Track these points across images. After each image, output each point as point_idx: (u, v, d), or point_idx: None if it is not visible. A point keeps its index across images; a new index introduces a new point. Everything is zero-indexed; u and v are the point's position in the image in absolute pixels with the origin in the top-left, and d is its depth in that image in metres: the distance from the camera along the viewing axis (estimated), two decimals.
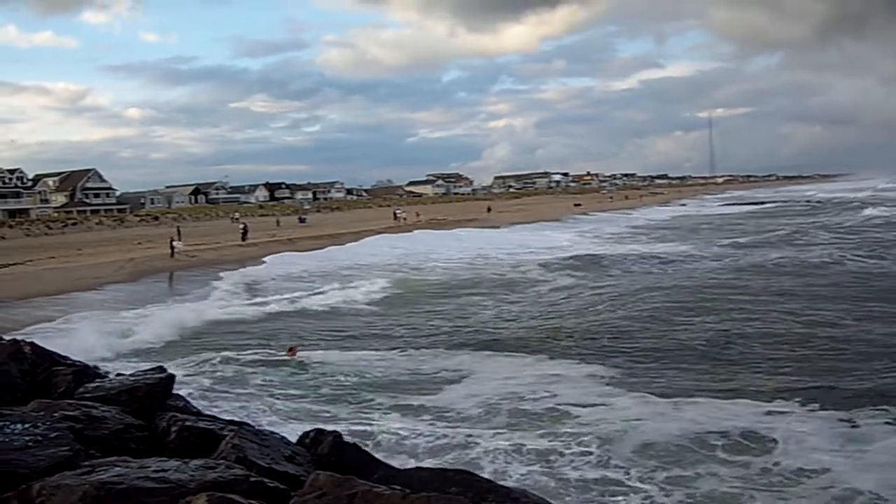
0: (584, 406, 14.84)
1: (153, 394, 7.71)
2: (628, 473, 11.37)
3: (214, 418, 8.13)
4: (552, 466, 11.75)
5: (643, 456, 11.97)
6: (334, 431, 7.34)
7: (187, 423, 6.92)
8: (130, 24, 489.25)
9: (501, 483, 6.56)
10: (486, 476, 7.13)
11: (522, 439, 12.87)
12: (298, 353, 20.44)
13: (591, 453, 12.13)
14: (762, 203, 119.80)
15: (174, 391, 8.30)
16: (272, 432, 7.86)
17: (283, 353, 20.50)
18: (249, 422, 8.92)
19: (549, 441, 12.77)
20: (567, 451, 12.25)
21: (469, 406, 15.23)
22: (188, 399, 8.98)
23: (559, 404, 15.08)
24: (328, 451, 6.92)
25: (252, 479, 5.38)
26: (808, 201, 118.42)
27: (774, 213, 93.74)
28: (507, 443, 12.70)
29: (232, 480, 5.21)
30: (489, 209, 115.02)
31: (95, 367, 9.37)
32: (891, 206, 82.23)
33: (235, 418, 9.28)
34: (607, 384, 16.66)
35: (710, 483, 10.96)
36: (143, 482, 4.99)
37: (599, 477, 11.32)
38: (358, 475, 5.49)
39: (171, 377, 8.30)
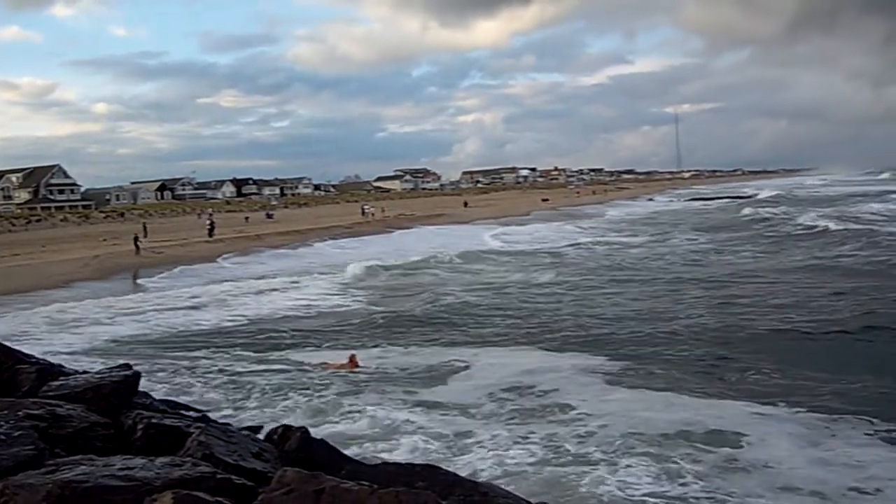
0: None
1: (119, 392, 7.65)
2: None
3: (181, 416, 8.08)
4: None
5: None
6: (302, 427, 7.34)
7: (153, 421, 6.89)
8: (98, 19, 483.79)
9: (468, 477, 6.60)
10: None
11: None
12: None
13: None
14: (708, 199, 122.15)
15: (140, 388, 8.25)
16: (240, 429, 7.84)
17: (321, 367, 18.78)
18: (215, 418, 8.89)
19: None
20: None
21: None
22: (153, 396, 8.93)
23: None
24: (296, 447, 6.92)
25: (219, 476, 5.37)
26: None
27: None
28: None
29: (198, 478, 5.20)
30: (466, 204, 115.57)
31: (60, 366, 9.28)
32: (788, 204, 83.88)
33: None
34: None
35: None
36: (109, 480, 4.96)
37: None
38: (326, 471, 5.49)
39: (137, 374, 8.25)
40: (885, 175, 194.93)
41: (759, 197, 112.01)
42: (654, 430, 12.56)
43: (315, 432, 8.21)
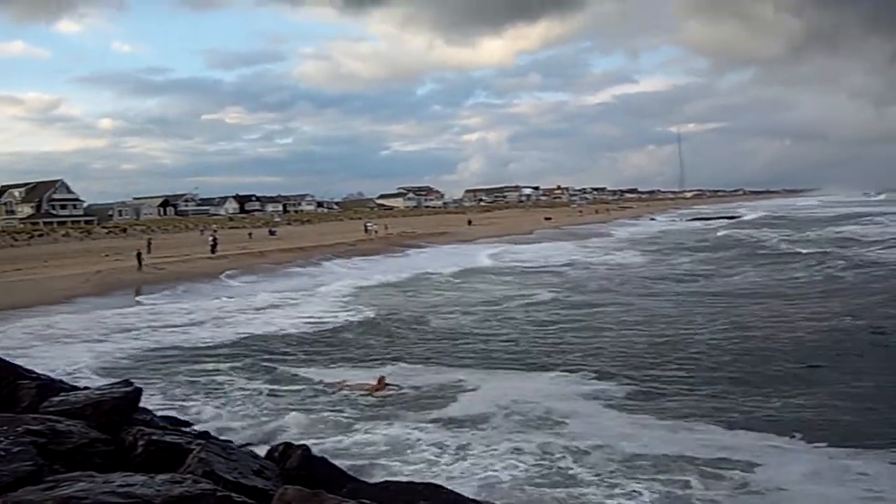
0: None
1: (119, 407, 7.60)
2: None
3: (182, 432, 8.05)
4: None
5: None
6: (303, 445, 7.30)
7: (154, 437, 6.84)
8: (104, 35, 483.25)
9: (470, 497, 6.56)
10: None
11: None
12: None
13: None
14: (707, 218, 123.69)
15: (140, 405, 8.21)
16: (240, 446, 7.80)
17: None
18: (217, 435, 8.85)
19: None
20: None
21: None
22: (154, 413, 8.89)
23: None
24: (297, 464, 6.87)
25: (219, 493, 5.32)
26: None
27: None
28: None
29: (199, 495, 5.15)
30: (470, 222, 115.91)
31: (61, 381, 9.25)
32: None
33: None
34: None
35: None
36: (108, 497, 4.92)
37: None
38: (327, 489, 5.45)
39: (139, 390, 8.21)
40: (883, 196, 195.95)
41: (744, 218, 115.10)
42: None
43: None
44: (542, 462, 12.69)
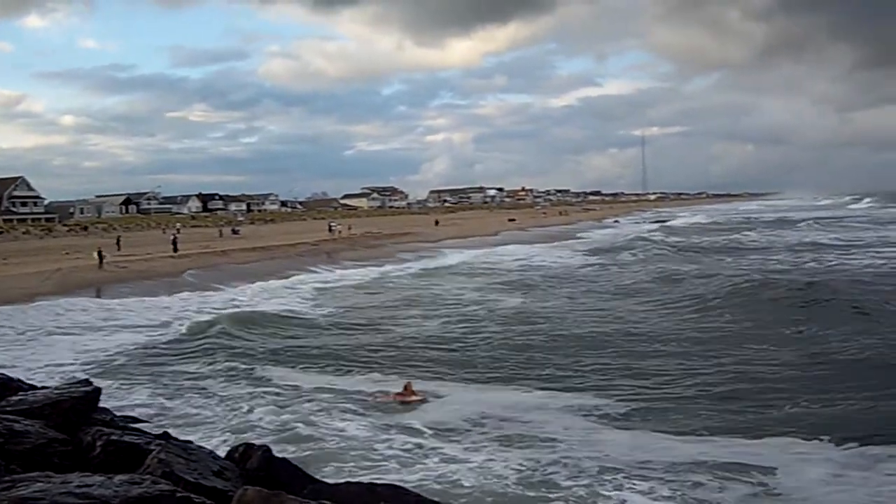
0: None
1: (78, 407, 7.54)
2: None
3: (141, 432, 7.98)
4: None
5: None
6: (264, 446, 7.28)
7: (112, 438, 6.78)
8: (69, 31, 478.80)
9: (429, 497, 6.58)
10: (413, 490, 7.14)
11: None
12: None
13: None
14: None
15: (100, 405, 8.14)
16: (200, 446, 7.76)
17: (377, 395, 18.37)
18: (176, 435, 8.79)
19: None
20: None
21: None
22: (113, 412, 8.81)
23: None
24: (257, 465, 6.85)
25: (178, 494, 5.30)
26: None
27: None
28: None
29: (157, 496, 5.13)
30: (437, 222, 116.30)
31: (19, 380, 9.15)
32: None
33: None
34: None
35: None
36: (65, 498, 4.89)
37: None
38: (288, 490, 5.45)
39: (98, 390, 8.14)
40: (828, 201, 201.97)
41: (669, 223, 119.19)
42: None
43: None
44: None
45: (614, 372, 20.31)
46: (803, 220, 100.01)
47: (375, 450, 14.00)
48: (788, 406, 16.50)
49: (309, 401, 17.73)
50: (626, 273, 44.92)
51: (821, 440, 14.08)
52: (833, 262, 47.66)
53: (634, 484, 12.17)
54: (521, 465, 13.07)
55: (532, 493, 11.90)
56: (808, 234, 77.08)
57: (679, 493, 11.76)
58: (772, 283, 34.97)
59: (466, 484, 12.24)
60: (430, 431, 15.33)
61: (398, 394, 17.88)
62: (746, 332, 24.98)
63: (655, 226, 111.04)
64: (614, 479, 12.36)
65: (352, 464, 13.06)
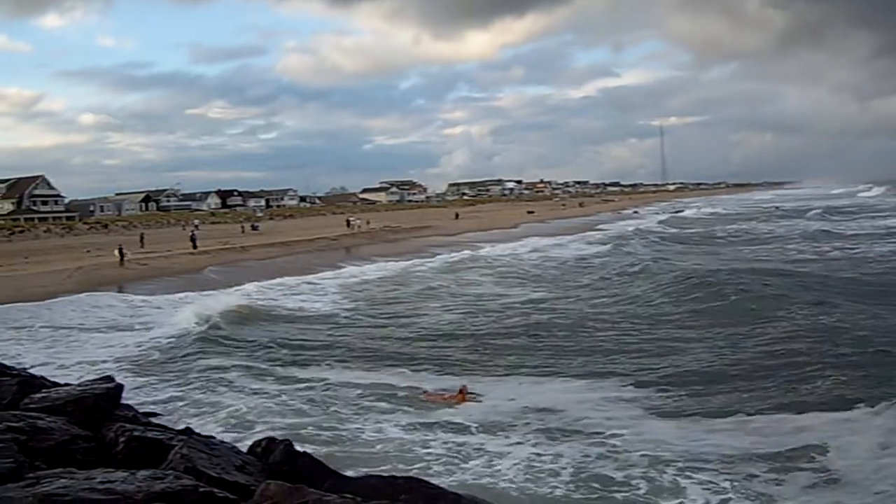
0: None
1: (101, 404, 7.60)
2: None
3: (164, 428, 8.03)
4: None
5: None
6: (286, 440, 7.31)
7: (135, 434, 6.84)
8: (87, 29, 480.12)
9: (451, 490, 6.58)
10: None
11: None
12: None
13: None
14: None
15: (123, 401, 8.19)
16: (223, 441, 7.79)
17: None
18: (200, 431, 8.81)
19: None
20: None
21: None
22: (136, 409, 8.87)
23: None
24: (279, 459, 6.89)
25: (201, 489, 5.33)
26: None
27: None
28: None
29: (180, 491, 5.16)
30: (457, 216, 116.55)
31: (42, 377, 9.22)
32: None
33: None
34: None
35: None
36: (89, 494, 4.92)
37: None
38: (309, 484, 5.47)
39: (120, 387, 8.21)
40: (841, 190, 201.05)
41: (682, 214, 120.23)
42: None
43: None
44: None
45: (642, 358, 20.44)
46: (811, 210, 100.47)
47: (415, 447, 13.62)
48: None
49: (338, 395, 17.64)
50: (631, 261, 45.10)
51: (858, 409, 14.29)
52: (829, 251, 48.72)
53: (690, 475, 12.08)
54: (572, 458, 12.92)
55: (586, 492, 11.81)
56: (814, 223, 77.36)
57: (736, 483, 11.71)
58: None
59: (515, 483, 12.03)
60: (473, 427, 14.97)
61: (452, 395, 17.15)
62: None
63: (666, 216, 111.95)
64: (666, 470, 12.28)
65: (391, 462, 12.73)
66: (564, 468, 12.50)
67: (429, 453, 13.44)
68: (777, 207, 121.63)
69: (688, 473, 12.05)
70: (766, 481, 11.77)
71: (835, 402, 15.10)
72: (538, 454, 13.21)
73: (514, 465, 12.75)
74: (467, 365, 21.02)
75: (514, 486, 11.90)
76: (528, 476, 12.24)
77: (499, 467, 12.67)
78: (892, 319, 22.84)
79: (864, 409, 14.27)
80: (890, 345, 19.07)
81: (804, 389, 16.32)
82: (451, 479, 11.87)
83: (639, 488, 11.63)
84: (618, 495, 11.46)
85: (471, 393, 17.24)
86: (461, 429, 14.89)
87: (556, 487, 11.81)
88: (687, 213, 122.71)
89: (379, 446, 13.85)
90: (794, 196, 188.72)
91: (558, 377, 18.93)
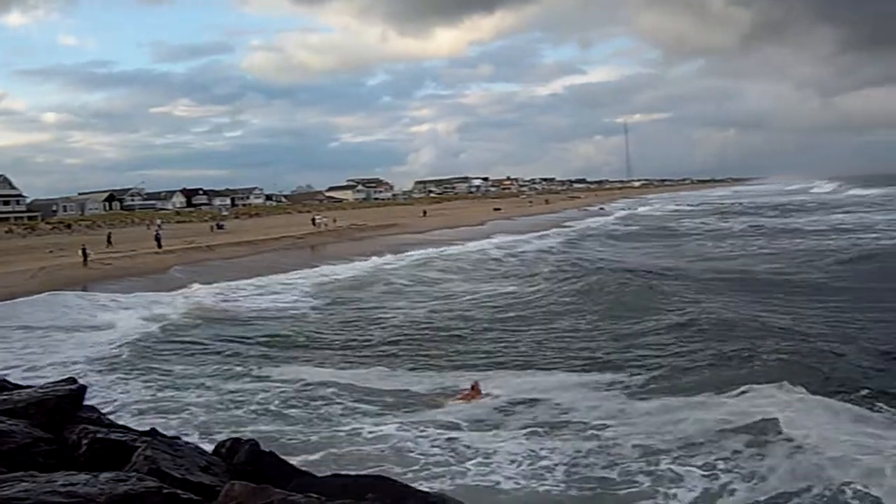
0: None
1: (63, 406, 7.50)
2: None
3: (127, 429, 7.95)
4: None
5: None
6: (251, 440, 7.26)
7: (98, 436, 6.75)
8: (49, 28, 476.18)
9: (419, 488, 6.58)
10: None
11: None
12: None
13: None
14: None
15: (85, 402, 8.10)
16: (187, 442, 7.73)
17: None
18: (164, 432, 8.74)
19: None
20: None
21: None
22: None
23: None
24: (244, 459, 6.84)
25: (165, 490, 5.28)
26: None
27: None
28: None
29: (143, 493, 5.11)
30: (425, 213, 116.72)
31: (4, 379, 9.09)
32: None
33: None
34: None
35: None
36: (51, 497, 4.87)
37: None
38: (275, 484, 5.44)
39: (83, 388, 8.09)
40: (796, 186, 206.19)
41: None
42: None
43: None
44: None
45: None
46: (762, 207, 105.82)
47: (409, 448, 13.72)
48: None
49: (315, 394, 17.62)
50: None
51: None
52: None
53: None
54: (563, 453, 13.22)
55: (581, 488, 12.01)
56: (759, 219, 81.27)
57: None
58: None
59: (511, 483, 12.15)
60: (464, 424, 15.12)
61: (465, 394, 16.89)
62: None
63: (624, 213, 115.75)
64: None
65: (388, 465, 12.70)
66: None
67: (422, 452, 13.49)
68: (733, 204, 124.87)
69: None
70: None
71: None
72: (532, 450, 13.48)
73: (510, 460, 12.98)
74: (443, 361, 21.18)
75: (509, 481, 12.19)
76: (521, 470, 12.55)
77: (493, 464, 12.89)
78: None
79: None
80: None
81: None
82: (448, 479, 12.17)
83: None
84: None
85: (483, 392, 17.06)
86: (452, 426, 14.97)
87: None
88: (641, 209, 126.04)
89: (368, 448, 13.80)
90: (751, 192, 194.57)
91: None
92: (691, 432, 13.47)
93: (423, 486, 11.26)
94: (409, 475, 11.95)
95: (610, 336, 23.08)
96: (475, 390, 16.84)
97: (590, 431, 14.14)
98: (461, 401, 16.65)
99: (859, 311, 25.08)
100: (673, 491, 11.44)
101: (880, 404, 14.82)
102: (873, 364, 18.11)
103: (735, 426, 13.46)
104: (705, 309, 25.62)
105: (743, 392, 15.49)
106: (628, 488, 11.69)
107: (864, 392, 15.71)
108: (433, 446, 13.77)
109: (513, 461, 12.88)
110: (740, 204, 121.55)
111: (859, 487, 10.68)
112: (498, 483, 12.09)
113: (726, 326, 22.61)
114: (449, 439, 14.08)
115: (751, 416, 13.74)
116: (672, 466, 12.22)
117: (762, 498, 11.09)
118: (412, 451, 13.59)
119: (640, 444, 13.15)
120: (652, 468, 12.23)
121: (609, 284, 32.33)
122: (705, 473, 12.00)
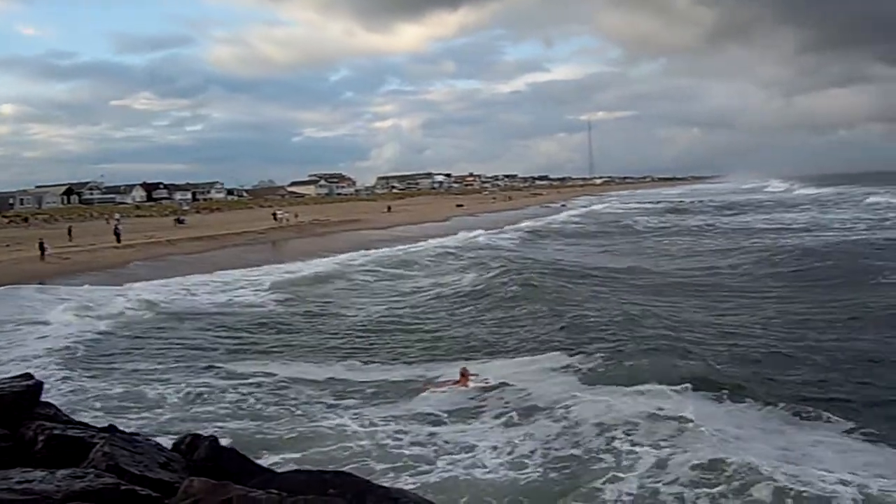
0: None
1: (19, 402, 7.39)
2: None
3: (86, 426, 7.85)
4: None
5: None
6: (211, 436, 7.20)
7: (55, 432, 6.67)
8: (7, 17, 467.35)
9: (379, 483, 6.57)
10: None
11: None
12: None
13: None
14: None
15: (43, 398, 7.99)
16: (147, 438, 7.65)
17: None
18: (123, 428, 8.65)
19: None
20: None
21: None
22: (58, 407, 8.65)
23: None
24: (204, 455, 6.78)
25: (123, 487, 5.23)
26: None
27: None
28: None
29: (101, 489, 5.06)
30: (389, 208, 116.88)
31: None
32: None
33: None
34: None
35: None
36: (6, 494, 4.80)
37: None
38: (235, 480, 5.41)
39: (39, 384, 7.98)
40: (751, 185, 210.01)
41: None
42: None
43: None
44: None
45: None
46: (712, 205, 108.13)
47: (384, 443, 13.60)
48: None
49: (283, 388, 17.54)
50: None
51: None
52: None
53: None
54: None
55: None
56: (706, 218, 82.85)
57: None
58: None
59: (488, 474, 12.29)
60: (444, 415, 15.20)
61: (456, 382, 16.90)
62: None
63: (585, 210, 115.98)
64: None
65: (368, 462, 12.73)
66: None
67: (400, 445, 13.49)
68: (691, 202, 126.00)
69: None
70: None
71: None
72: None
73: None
74: (415, 353, 21.29)
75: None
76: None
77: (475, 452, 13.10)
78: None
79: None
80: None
81: None
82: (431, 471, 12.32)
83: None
84: None
85: (473, 374, 17.21)
86: (433, 418, 15.03)
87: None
88: (600, 207, 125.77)
89: (344, 442, 13.73)
90: (708, 191, 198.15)
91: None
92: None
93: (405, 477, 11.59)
94: (387, 468, 12.27)
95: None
96: (465, 377, 16.89)
97: None
98: (455, 387, 16.74)
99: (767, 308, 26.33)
100: None
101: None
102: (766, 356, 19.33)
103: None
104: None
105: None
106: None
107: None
108: (413, 443, 13.77)
109: None
110: (700, 202, 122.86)
111: None
112: None
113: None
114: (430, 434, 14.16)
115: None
116: None
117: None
118: (392, 444, 13.65)
119: None
120: None
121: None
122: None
